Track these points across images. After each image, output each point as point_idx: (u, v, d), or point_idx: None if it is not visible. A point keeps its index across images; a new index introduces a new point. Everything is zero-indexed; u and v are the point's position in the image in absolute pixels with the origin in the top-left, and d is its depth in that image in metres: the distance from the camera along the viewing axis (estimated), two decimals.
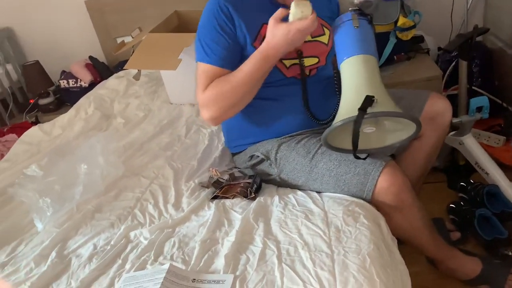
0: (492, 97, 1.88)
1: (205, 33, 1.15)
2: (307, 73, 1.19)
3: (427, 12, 1.93)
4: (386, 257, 0.92)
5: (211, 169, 1.30)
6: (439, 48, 2.12)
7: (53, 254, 1.04)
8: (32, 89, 2.44)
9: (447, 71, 1.97)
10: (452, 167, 1.79)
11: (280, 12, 1.04)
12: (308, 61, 1.18)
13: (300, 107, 1.20)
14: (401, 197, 1.03)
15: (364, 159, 1.04)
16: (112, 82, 2.11)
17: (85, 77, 2.37)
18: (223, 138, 1.46)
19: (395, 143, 1.06)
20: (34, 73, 2.37)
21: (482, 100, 1.50)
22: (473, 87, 1.84)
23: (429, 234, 1.15)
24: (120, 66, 2.36)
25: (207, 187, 1.24)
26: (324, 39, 1.22)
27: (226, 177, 1.25)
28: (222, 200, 1.15)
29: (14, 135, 2.09)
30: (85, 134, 1.69)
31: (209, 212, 1.11)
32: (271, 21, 1.04)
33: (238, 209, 1.10)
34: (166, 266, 0.90)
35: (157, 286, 0.84)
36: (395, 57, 1.90)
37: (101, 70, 2.42)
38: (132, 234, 1.08)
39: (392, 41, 1.85)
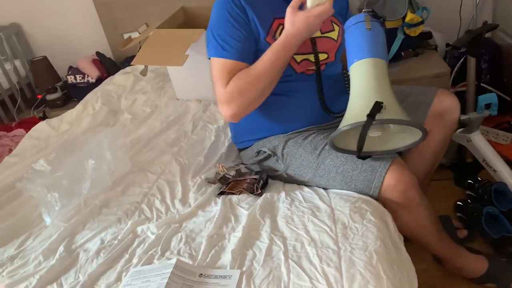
0: (501, 94, 1.86)
1: (218, 28, 1.13)
2: (315, 69, 1.18)
3: (436, 8, 1.91)
4: (393, 254, 0.92)
5: (217, 165, 1.30)
6: (447, 44, 2.11)
7: (61, 248, 1.05)
8: (40, 85, 2.46)
9: (455, 67, 1.95)
10: (460, 165, 1.78)
11: (296, 0, 1.05)
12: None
13: (309, 103, 1.19)
14: (408, 195, 1.03)
15: (364, 159, 1.04)
16: (119, 78, 2.12)
17: (92, 73, 2.38)
18: (229, 134, 1.46)
19: (399, 148, 1.06)
20: (42, 68, 2.39)
21: (491, 97, 1.49)
22: (481, 84, 1.82)
23: (435, 232, 1.15)
24: (127, 62, 2.37)
25: (214, 183, 1.24)
26: (334, 35, 1.21)
27: (232, 173, 1.25)
28: (229, 196, 1.15)
29: (22, 130, 2.11)
30: (93, 129, 1.70)
31: (216, 207, 1.11)
32: (289, 10, 1.05)
33: (244, 205, 1.11)
34: (173, 261, 0.90)
35: (164, 281, 0.84)
36: (402, 53, 1.89)
37: (108, 66, 2.43)
38: (139, 229, 1.09)
39: (399, 37, 1.84)
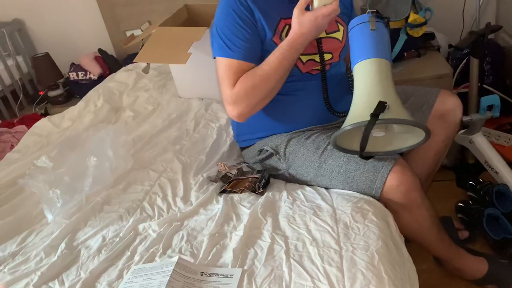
0: (503, 96, 1.86)
1: (224, 27, 1.13)
2: (320, 68, 1.18)
3: (439, 8, 1.90)
4: (394, 255, 0.92)
5: (219, 163, 1.30)
6: (450, 45, 2.10)
7: (63, 245, 1.05)
8: (42, 81, 2.46)
9: (458, 68, 1.95)
10: (461, 166, 1.78)
11: (303, 1, 1.05)
12: None
13: (313, 102, 1.19)
14: (410, 196, 1.03)
15: (367, 159, 1.04)
16: (121, 75, 2.12)
17: (94, 70, 2.38)
18: (231, 133, 1.46)
19: (402, 149, 1.06)
20: (44, 65, 2.39)
21: (493, 99, 1.49)
22: (484, 86, 1.82)
23: (436, 233, 1.15)
24: (129, 59, 2.37)
25: (215, 181, 1.24)
26: (339, 35, 1.21)
27: (234, 171, 1.25)
28: (230, 195, 1.16)
29: (24, 127, 2.11)
30: (95, 126, 1.70)
31: (218, 206, 1.12)
32: (296, 10, 1.05)
33: (246, 203, 1.11)
34: (175, 259, 0.91)
35: (166, 279, 0.84)
36: (405, 53, 1.89)
37: (110, 63, 2.43)
38: (140, 226, 1.09)
39: (402, 38, 1.83)
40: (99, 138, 1.34)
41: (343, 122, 1.00)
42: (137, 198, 1.21)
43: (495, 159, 1.52)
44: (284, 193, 1.12)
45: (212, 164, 1.34)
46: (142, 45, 1.59)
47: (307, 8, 1.07)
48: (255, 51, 1.13)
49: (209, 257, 0.94)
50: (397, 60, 1.87)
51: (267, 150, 1.21)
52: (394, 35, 1.83)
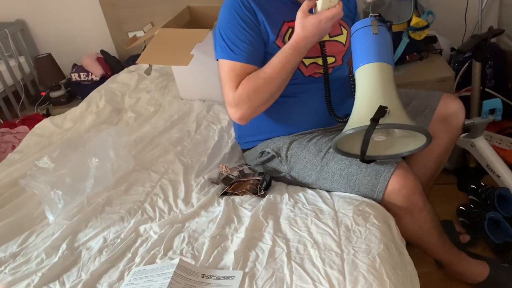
0: (505, 99, 1.86)
1: (227, 29, 1.13)
2: (323, 72, 1.18)
3: (441, 12, 1.90)
4: (395, 258, 0.92)
5: (220, 165, 1.30)
6: (452, 49, 2.10)
7: (64, 246, 1.05)
8: (44, 82, 2.47)
9: (460, 72, 1.95)
10: (463, 169, 1.78)
11: (306, 4, 1.05)
12: None
13: (315, 105, 1.19)
14: (411, 200, 1.03)
15: (369, 163, 1.04)
16: (123, 76, 2.12)
17: (96, 71, 2.39)
18: (233, 134, 1.46)
19: (403, 153, 1.06)
20: (46, 65, 2.39)
21: (496, 103, 1.48)
22: (486, 89, 1.82)
23: (438, 237, 1.15)
24: (131, 60, 2.37)
25: (217, 183, 1.24)
26: (342, 38, 1.21)
27: (235, 173, 1.25)
28: (232, 197, 1.15)
29: (25, 127, 2.11)
30: (96, 127, 1.70)
31: (219, 208, 1.11)
32: (299, 14, 1.05)
33: (247, 206, 1.11)
34: (176, 261, 0.90)
35: (167, 281, 0.84)
36: (407, 56, 1.89)
37: (112, 64, 2.43)
38: (142, 228, 1.09)
39: (404, 41, 1.83)
40: (100, 139, 1.34)
41: (345, 125, 1.00)
42: (138, 199, 1.21)
43: (496, 163, 1.52)
44: (286, 196, 1.12)
45: (213, 166, 1.34)
46: (145, 47, 1.59)
47: (310, 11, 1.07)
48: (258, 54, 1.13)
49: (210, 259, 0.93)
50: (399, 63, 1.87)
51: (269, 153, 1.21)
52: (396, 38, 1.82)
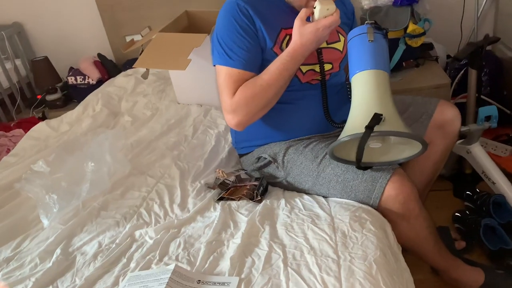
0: (501, 107, 1.87)
1: (225, 36, 1.13)
2: (320, 79, 1.19)
3: (437, 19, 1.92)
4: (392, 264, 0.92)
5: (217, 170, 1.30)
6: (448, 56, 2.12)
7: (58, 251, 1.04)
8: (40, 85, 2.45)
9: (456, 79, 1.96)
10: (459, 176, 1.78)
11: (304, 12, 1.06)
12: None
13: (312, 112, 1.20)
14: (408, 206, 1.03)
15: (365, 169, 1.04)
16: (120, 80, 2.12)
17: (93, 74, 2.38)
18: (230, 139, 1.46)
19: (399, 160, 1.06)
20: (43, 69, 2.39)
21: (491, 110, 1.49)
22: (481, 96, 1.83)
23: (434, 244, 1.15)
24: (128, 64, 2.37)
25: (213, 188, 1.24)
26: (339, 45, 1.22)
27: (232, 178, 1.25)
28: (228, 202, 1.15)
29: (20, 130, 2.10)
30: (93, 131, 1.69)
31: (215, 213, 1.11)
32: (297, 21, 1.06)
33: (244, 211, 1.10)
34: (172, 266, 0.90)
35: (162, 286, 0.84)
36: (403, 63, 1.90)
37: (109, 68, 2.43)
38: (137, 233, 1.08)
39: (401, 48, 1.85)
40: (97, 143, 1.34)
41: (342, 131, 1.00)
42: (134, 204, 1.20)
43: (492, 170, 1.53)
44: (282, 201, 1.12)
45: (210, 170, 1.34)
46: (142, 51, 1.59)
47: (308, 19, 1.07)
48: (256, 60, 1.13)
49: (206, 265, 0.93)
50: (395, 69, 1.88)
51: (266, 158, 1.21)
52: (393, 44, 1.84)
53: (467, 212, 1.58)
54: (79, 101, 2.04)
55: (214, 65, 1.16)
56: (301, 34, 1.05)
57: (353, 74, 1.06)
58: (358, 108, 1.02)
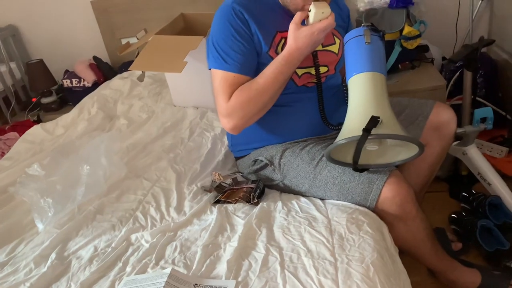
0: (496, 108, 1.88)
1: (220, 40, 1.12)
2: (316, 81, 1.19)
3: (432, 22, 1.93)
4: (389, 266, 0.92)
5: (213, 173, 1.29)
6: (444, 58, 2.13)
7: (53, 255, 1.03)
8: (35, 88, 2.44)
9: (451, 81, 1.97)
10: (455, 177, 1.79)
11: (299, 16, 1.05)
12: None
13: (308, 114, 1.19)
14: (405, 208, 1.03)
15: (362, 171, 1.04)
16: (116, 82, 2.11)
17: (89, 77, 2.37)
18: (226, 142, 1.45)
19: (396, 162, 1.06)
20: (38, 71, 2.37)
21: (487, 111, 1.50)
22: (477, 98, 1.84)
23: (430, 245, 1.15)
24: (124, 67, 2.36)
25: (210, 191, 1.23)
26: (335, 48, 1.22)
27: (228, 181, 1.25)
28: (225, 205, 1.15)
29: (15, 133, 2.08)
30: (88, 134, 1.68)
31: (211, 216, 1.10)
32: (292, 25, 1.05)
33: (240, 214, 1.10)
34: (168, 270, 0.89)
35: None
36: (399, 65, 1.91)
37: (104, 71, 2.42)
38: (133, 236, 1.07)
39: (397, 50, 1.85)
40: (93, 146, 1.33)
41: (338, 133, 1.00)
42: (130, 207, 1.20)
43: (488, 171, 1.53)
44: (279, 204, 1.11)
45: (206, 173, 1.33)
46: (138, 53, 1.59)
47: (303, 23, 1.07)
48: (251, 64, 1.13)
49: (203, 269, 0.92)
50: (391, 71, 1.88)
51: (262, 161, 1.21)
52: (388, 47, 1.85)
53: (463, 213, 1.58)
54: (74, 104, 2.03)
55: (210, 69, 1.16)
56: (296, 37, 1.05)
57: (350, 76, 1.06)
58: (355, 111, 1.02)
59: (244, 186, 1.19)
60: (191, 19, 1.86)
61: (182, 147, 1.49)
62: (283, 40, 1.14)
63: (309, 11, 1.05)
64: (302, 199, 1.13)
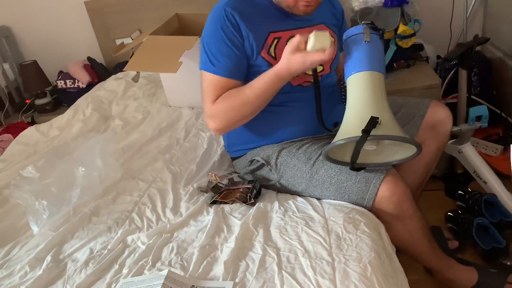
0: (491, 107, 1.89)
1: (210, 43, 1.13)
2: (313, 82, 1.18)
3: (427, 20, 1.93)
4: (387, 266, 0.92)
5: (210, 173, 1.29)
6: (438, 57, 2.13)
7: (49, 258, 1.03)
8: (29, 89, 2.42)
9: (446, 79, 1.98)
10: (450, 175, 1.79)
11: (297, 42, 1.02)
12: None
13: (304, 114, 1.19)
14: (402, 207, 1.03)
15: (358, 170, 1.04)
16: (111, 83, 2.10)
17: (83, 78, 2.35)
18: (222, 142, 1.45)
19: (393, 161, 1.06)
20: (31, 72, 2.35)
21: (482, 110, 1.51)
22: (472, 96, 1.85)
23: (427, 244, 1.15)
24: (118, 67, 2.35)
25: (206, 191, 1.23)
26: None
27: (225, 182, 1.24)
28: (221, 205, 1.14)
29: (9, 135, 2.06)
30: (83, 135, 1.67)
31: (208, 217, 1.10)
32: (288, 49, 1.04)
33: (237, 214, 1.09)
34: (165, 272, 0.89)
35: None
36: (394, 64, 1.91)
37: (99, 71, 2.40)
38: (129, 238, 1.07)
39: (392, 48, 1.86)
40: (88, 147, 1.32)
41: (335, 133, 1.00)
42: (126, 209, 1.19)
43: (483, 169, 1.54)
44: (276, 204, 1.11)
45: (202, 174, 1.33)
46: (132, 54, 1.58)
47: None
48: (239, 69, 1.14)
49: (200, 270, 0.92)
50: (387, 70, 1.85)
51: (258, 161, 1.21)
52: (383, 45, 1.85)
53: (459, 211, 1.59)
54: (69, 105, 2.02)
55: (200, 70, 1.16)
56: (288, 59, 1.04)
57: (349, 75, 1.05)
58: (354, 110, 1.01)
59: (241, 187, 1.19)
60: (186, 19, 1.85)
61: (178, 148, 1.49)
62: (275, 41, 1.13)
63: (309, 38, 1.02)
64: (299, 199, 1.13)
